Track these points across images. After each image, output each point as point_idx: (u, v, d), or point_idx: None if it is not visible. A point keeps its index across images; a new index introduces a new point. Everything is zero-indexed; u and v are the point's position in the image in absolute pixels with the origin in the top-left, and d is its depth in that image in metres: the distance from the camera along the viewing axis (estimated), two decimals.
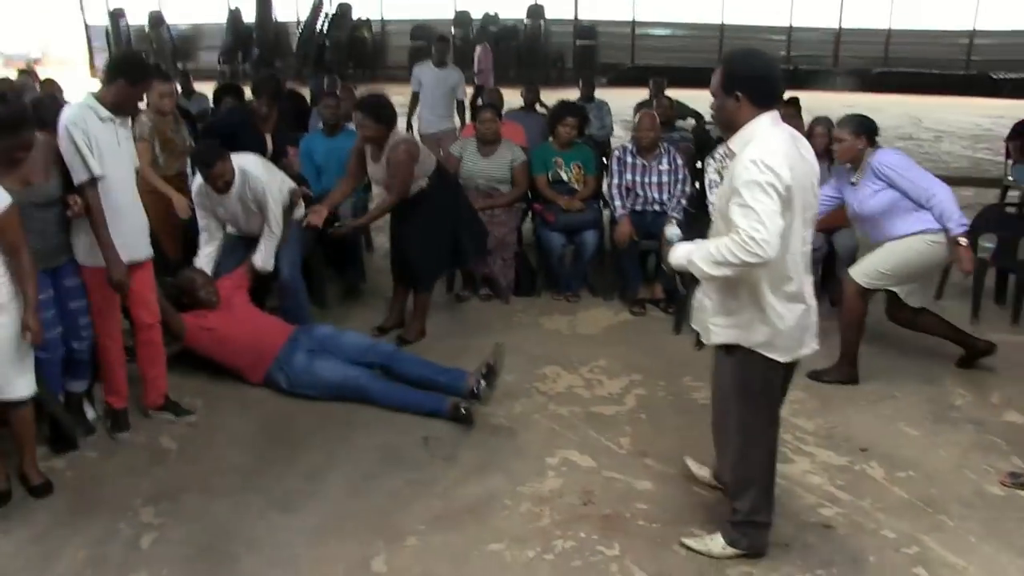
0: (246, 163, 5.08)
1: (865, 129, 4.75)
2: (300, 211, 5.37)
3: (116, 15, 24.05)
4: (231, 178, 4.99)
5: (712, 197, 5.97)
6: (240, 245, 5.33)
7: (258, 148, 5.61)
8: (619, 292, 6.22)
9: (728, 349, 3.16)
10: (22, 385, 3.60)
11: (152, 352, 4.44)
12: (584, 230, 6.12)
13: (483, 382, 4.51)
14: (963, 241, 4.61)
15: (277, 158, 5.77)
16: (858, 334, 4.92)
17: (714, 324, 3.14)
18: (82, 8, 25.12)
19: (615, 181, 6.14)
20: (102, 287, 3.98)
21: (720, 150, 6.10)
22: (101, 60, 24.08)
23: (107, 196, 3.88)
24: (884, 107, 18.88)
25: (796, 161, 2.91)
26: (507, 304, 6.19)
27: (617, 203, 6.05)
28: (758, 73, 2.97)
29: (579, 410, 4.61)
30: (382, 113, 5.19)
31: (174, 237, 5.61)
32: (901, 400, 4.75)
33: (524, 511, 3.68)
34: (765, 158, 2.81)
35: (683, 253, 3.01)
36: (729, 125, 2.99)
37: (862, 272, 4.85)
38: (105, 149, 3.85)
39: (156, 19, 23.63)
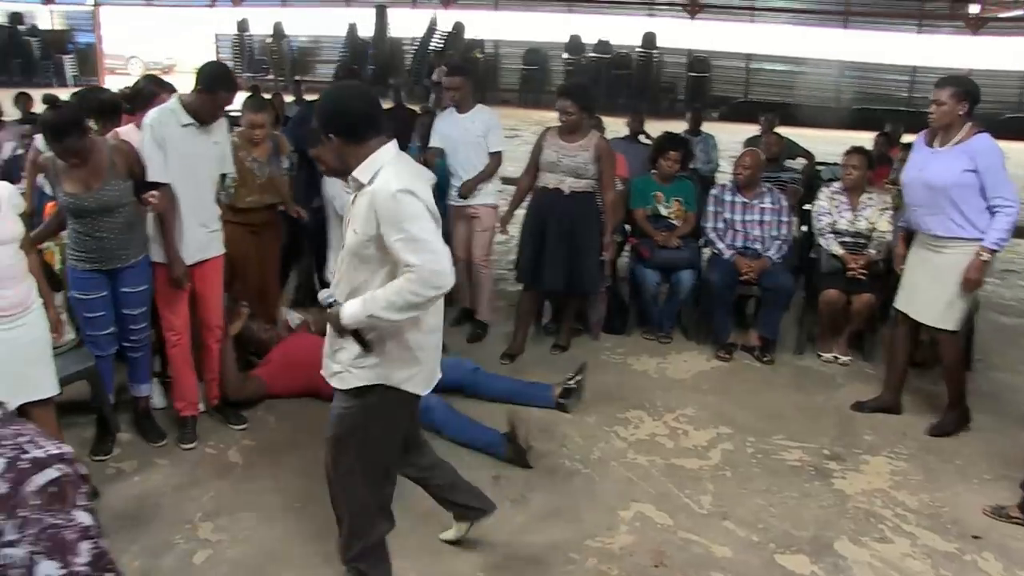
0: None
1: (967, 94, 4.34)
2: None
3: (242, 27, 24.87)
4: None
5: (819, 224, 5.77)
6: None
7: None
8: (713, 336, 5.93)
9: (360, 391, 2.90)
10: (48, 385, 3.60)
11: (209, 355, 4.48)
12: (680, 269, 5.86)
13: (570, 392, 4.71)
14: (985, 256, 4.35)
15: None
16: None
17: (355, 367, 2.87)
18: (212, 19, 26.04)
19: (711, 224, 5.90)
20: (167, 284, 4.13)
21: (835, 185, 5.80)
22: None
23: (179, 198, 4.06)
24: (1012, 154, 17.97)
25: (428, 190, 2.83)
26: (595, 340, 5.98)
27: (720, 245, 5.80)
28: (339, 109, 2.80)
29: (660, 461, 4.35)
30: (586, 97, 5.31)
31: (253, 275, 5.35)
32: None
33: (590, 568, 3.45)
34: (410, 186, 2.67)
35: (358, 311, 2.71)
36: (342, 169, 2.83)
37: (949, 319, 4.55)
38: (180, 153, 3.99)
39: (278, 31, 24.32)
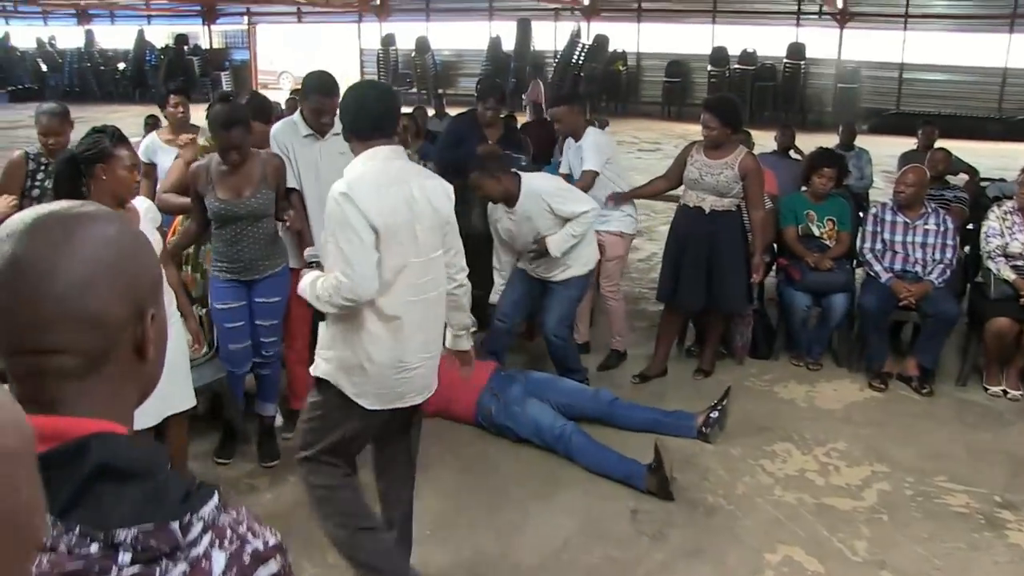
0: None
1: None
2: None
3: (387, 41, 25.51)
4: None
5: (988, 247, 5.38)
6: None
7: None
8: (866, 363, 5.57)
9: (320, 384, 3.01)
10: (187, 397, 3.72)
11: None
12: (833, 292, 5.53)
13: (713, 422, 4.50)
14: None
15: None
16: None
17: (320, 356, 3.00)
18: (359, 34, 26.82)
19: (868, 244, 5.54)
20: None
21: (1008, 204, 5.40)
22: None
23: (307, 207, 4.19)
24: None
25: (394, 199, 2.82)
26: (740, 364, 5.71)
27: (877, 267, 5.44)
28: (350, 107, 2.93)
29: (809, 499, 4.08)
30: (729, 113, 5.08)
31: None
32: None
33: None
34: (354, 191, 2.74)
35: (304, 284, 2.94)
36: None
37: None
38: (303, 164, 4.11)
39: (422, 45, 24.82)
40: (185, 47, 26.08)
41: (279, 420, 4.59)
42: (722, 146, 5.06)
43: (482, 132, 5.74)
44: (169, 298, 3.56)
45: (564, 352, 5.06)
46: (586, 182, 5.30)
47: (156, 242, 3.46)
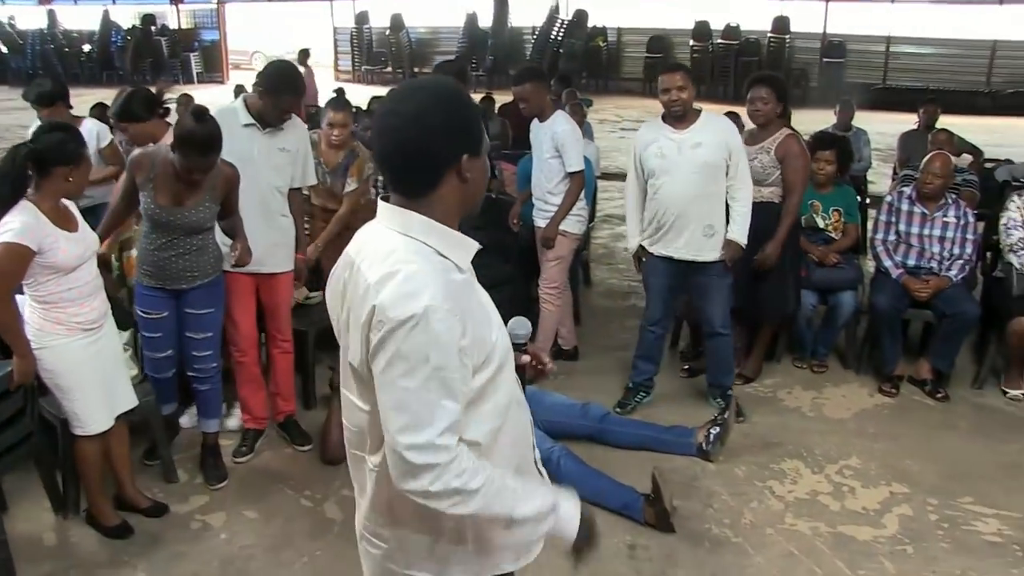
0: None
1: None
2: None
3: (361, 19, 24.82)
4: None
5: (1009, 240, 4.98)
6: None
7: None
8: (875, 366, 5.15)
9: None
10: (131, 396, 3.55)
11: (275, 367, 4.31)
12: (840, 289, 5.11)
13: (715, 438, 4.10)
14: None
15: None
16: None
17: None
18: (332, 12, 26.10)
19: (880, 235, 5.10)
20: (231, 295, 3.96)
21: None
22: (345, 63, 24.96)
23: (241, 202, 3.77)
24: None
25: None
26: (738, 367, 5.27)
27: (888, 263, 5.01)
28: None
29: (824, 528, 3.67)
30: (783, 86, 4.78)
31: None
32: None
33: None
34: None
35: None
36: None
37: None
38: (235, 156, 3.66)
39: (397, 23, 24.14)
40: (153, 27, 25.27)
41: (233, 423, 4.33)
42: (765, 127, 4.66)
43: None
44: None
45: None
46: (576, 186, 4.84)
47: (93, 240, 3.33)
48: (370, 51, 24.49)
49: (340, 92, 6.76)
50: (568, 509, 1.74)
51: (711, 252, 4.36)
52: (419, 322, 1.50)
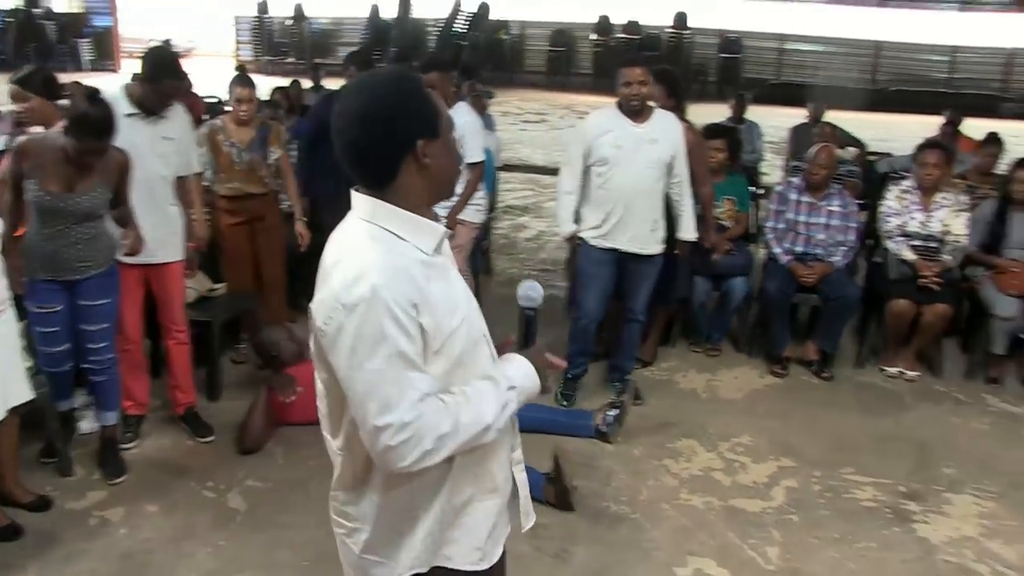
0: None
1: None
2: None
3: (262, 8, 24.35)
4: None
5: (887, 227, 5.26)
6: None
7: None
8: (765, 349, 5.39)
9: None
10: (22, 391, 3.42)
11: (172, 359, 4.25)
12: (733, 275, 5.32)
13: (612, 420, 4.22)
14: None
15: None
16: None
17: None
18: (232, 1, 25.54)
19: (771, 223, 5.34)
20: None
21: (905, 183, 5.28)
22: (246, 53, 24.45)
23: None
24: None
25: None
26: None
27: (777, 249, 5.25)
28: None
29: (717, 502, 3.85)
30: (676, 84, 4.85)
31: (254, 268, 5.08)
32: None
33: None
34: None
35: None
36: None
37: None
38: (121, 146, 3.59)
39: (299, 13, 23.80)
40: (35, 10, 24.20)
41: (86, 426, 4.18)
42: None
43: None
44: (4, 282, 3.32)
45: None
46: (476, 177, 4.91)
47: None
48: (271, 42, 24.07)
49: (242, 69, 6.71)
50: (518, 372, 1.76)
51: (654, 246, 4.45)
52: (370, 302, 1.53)
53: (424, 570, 1.79)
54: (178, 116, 4.00)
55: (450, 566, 1.81)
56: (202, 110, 9.68)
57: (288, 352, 4.45)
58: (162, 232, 3.96)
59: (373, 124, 1.61)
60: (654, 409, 4.70)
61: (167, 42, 13.87)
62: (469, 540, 1.81)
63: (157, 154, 3.89)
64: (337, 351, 1.58)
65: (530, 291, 1.86)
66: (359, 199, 1.68)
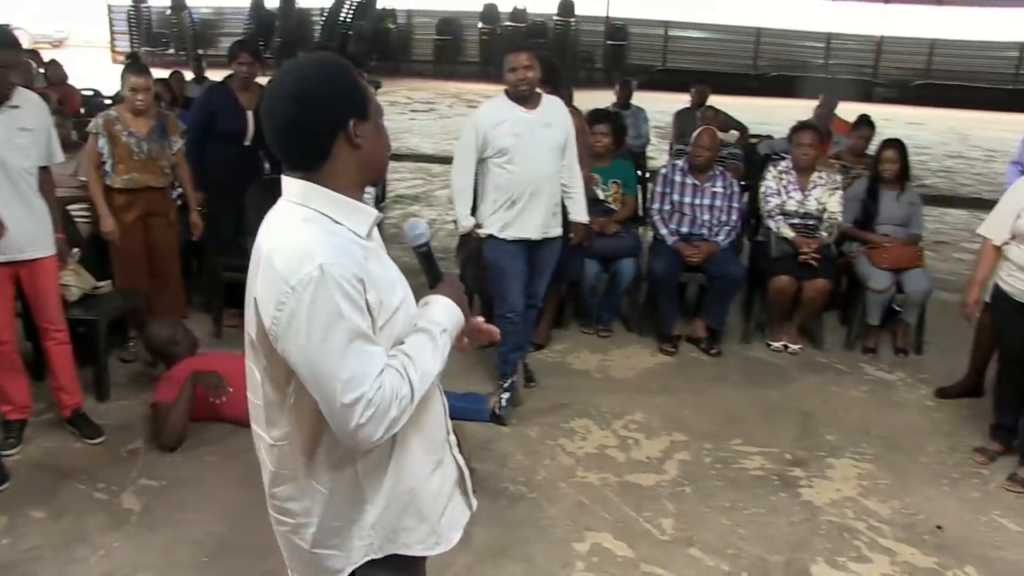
0: None
1: None
2: None
3: None
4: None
5: (767, 206, 5.43)
6: None
7: (238, 129, 5.18)
8: (655, 328, 5.53)
9: None
10: None
11: (52, 360, 4.08)
12: (621, 257, 5.43)
13: (506, 403, 4.27)
14: None
15: (261, 140, 5.06)
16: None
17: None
18: None
19: (657, 205, 5.47)
20: None
21: (783, 164, 5.47)
22: (123, 43, 23.59)
23: None
24: (926, 121, 18.13)
25: None
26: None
27: (663, 231, 5.38)
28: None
29: (612, 478, 3.93)
30: (553, 70, 4.82)
31: (148, 264, 4.96)
32: (990, 479, 4.05)
33: None
34: None
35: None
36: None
37: None
38: None
39: (178, 2, 23.09)
40: None
41: None
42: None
43: (237, 101, 5.16)
44: None
45: None
46: None
47: None
48: (150, 32, 23.28)
49: (135, 57, 6.47)
50: (443, 313, 1.75)
51: (556, 228, 4.45)
52: (319, 280, 1.52)
53: (379, 556, 1.79)
54: (33, 106, 3.79)
55: (405, 552, 1.81)
56: (79, 103, 9.35)
57: (186, 346, 4.38)
58: (29, 226, 3.76)
59: (306, 103, 1.61)
60: (548, 390, 4.77)
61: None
62: (422, 524, 1.82)
63: (16, 147, 3.67)
64: (293, 335, 1.55)
65: (414, 228, 1.86)
66: (290, 183, 1.68)
